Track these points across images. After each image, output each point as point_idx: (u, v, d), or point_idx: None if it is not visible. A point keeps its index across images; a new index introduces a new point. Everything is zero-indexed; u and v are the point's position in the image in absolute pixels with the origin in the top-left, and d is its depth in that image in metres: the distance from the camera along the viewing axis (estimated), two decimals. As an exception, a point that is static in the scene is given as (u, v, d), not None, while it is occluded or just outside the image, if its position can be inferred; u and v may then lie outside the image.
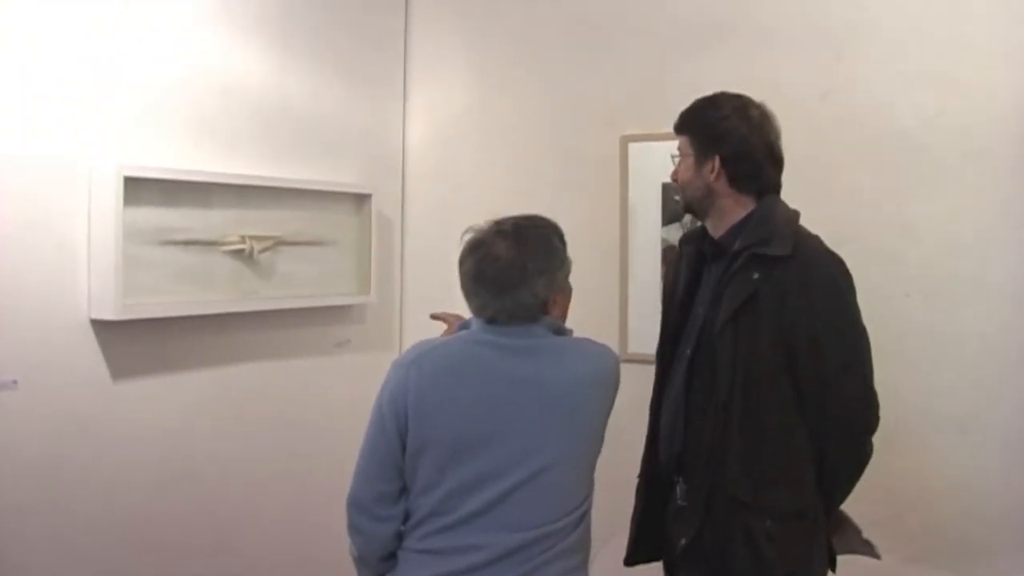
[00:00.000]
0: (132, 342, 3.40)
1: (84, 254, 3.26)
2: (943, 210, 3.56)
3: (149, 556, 3.46)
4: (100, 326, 3.29)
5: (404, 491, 2.49)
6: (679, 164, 2.84)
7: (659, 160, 3.91)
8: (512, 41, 4.43)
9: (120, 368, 3.38)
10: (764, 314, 2.62)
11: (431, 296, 4.46)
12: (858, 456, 2.74)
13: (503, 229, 2.52)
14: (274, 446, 3.84)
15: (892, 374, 3.51)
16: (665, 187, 3.93)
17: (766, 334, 2.62)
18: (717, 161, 2.77)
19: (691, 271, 2.90)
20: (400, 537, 2.50)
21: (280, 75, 4.00)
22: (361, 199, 4.30)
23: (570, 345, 2.59)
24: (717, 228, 2.82)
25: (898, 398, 3.53)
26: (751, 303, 2.63)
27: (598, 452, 2.58)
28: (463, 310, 4.50)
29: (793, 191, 3.76)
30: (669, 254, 3.79)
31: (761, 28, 3.85)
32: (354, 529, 2.52)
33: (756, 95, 3.78)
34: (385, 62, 4.57)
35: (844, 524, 2.88)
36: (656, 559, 2.97)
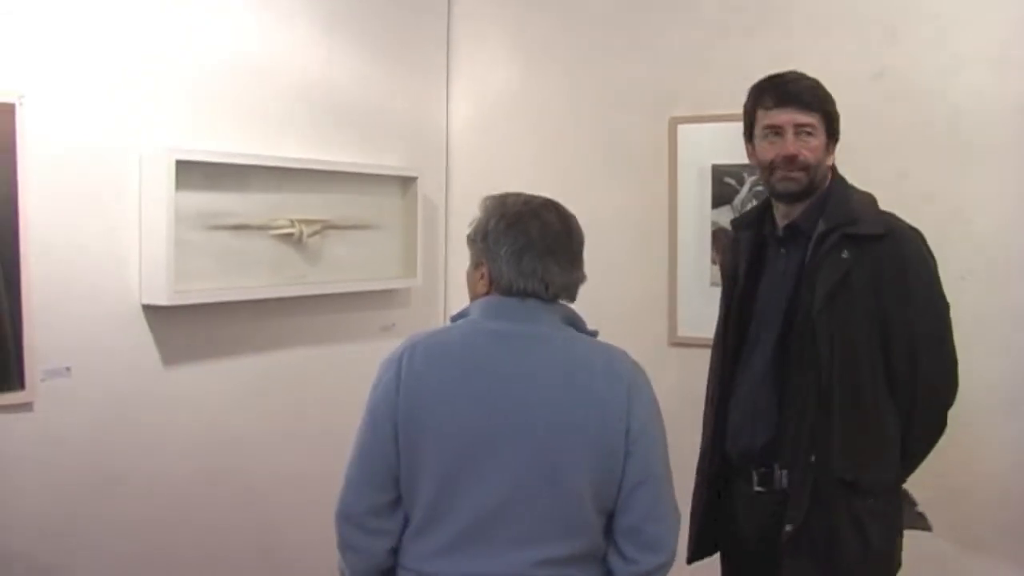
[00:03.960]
0: (182, 328, 3.41)
1: (135, 239, 3.27)
2: (994, 192, 3.51)
3: (198, 539, 3.48)
4: (152, 312, 3.30)
5: (399, 501, 2.26)
6: (811, 142, 2.76)
7: (709, 141, 3.91)
8: (556, 21, 4.40)
9: (171, 354, 3.39)
10: (859, 293, 2.66)
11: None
12: (939, 427, 2.80)
13: (543, 203, 2.37)
14: (322, 430, 3.84)
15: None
16: (715, 169, 3.90)
17: (861, 312, 2.67)
18: (834, 147, 2.82)
19: (752, 255, 2.89)
20: (395, 553, 2.28)
21: (325, 58, 4.00)
22: (406, 182, 4.29)
23: (599, 346, 2.31)
24: (799, 209, 2.80)
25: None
26: (844, 283, 2.66)
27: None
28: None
29: (844, 173, 3.74)
30: (720, 237, 3.75)
31: (812, 8, 3.81)
32: (344, 544, 2.31)
33: (809, 73, 3.77)
34: (428, 44, 4.56)
35: (902, 497, 2.89)
36: (712, 553, 2.98)
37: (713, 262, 3.89)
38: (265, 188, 3.67)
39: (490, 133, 4.57)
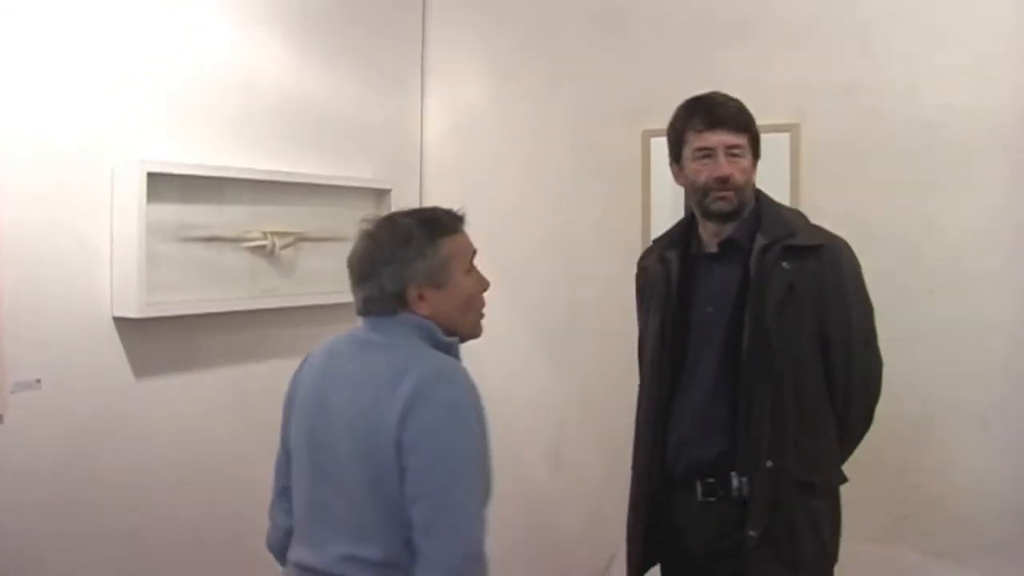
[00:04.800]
0: (154, 340, 3.39)
1: (107, 252, 3.26)
2: (968, 205, 3.54)
3: (171, 552, 3.45)
4: (123, 324, 3.29)
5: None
6: (741, 163, 2.84)
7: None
8: (530, 35, 4.41)
9: (143, 366, 3.38)
10: (802, 302, 2.75)
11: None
12: (867, 425, 2.92)
13: (375, 221, 2.45)
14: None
15: (916, 368, 3.53)
16: (689, 182, 3.91)
17: (806, 320, 2.76)
18: (756, 165, 2.92)
19: (682, 273, 2.95)
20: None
21: (299, 71, 4.00)
22: (380, 194, 4.29)
23: (407, 357, 2.28)
24: (726, 228, 2.89)
25: (921, 393, 3.54)
26: (790, 293, 2.74)
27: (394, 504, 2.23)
28: (486, 305, 4.51)
29: (817, 186, 3.77)
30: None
31: (784, 21, 3.82)
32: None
33: (781, 89, 3.80)
34: (403, 57, 4.56)
35: None
36: (652, 566, 3.03)
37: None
38: (238, 200, 3.66)
39: (465, 145, 4.57)
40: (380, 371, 2.26)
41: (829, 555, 2.81)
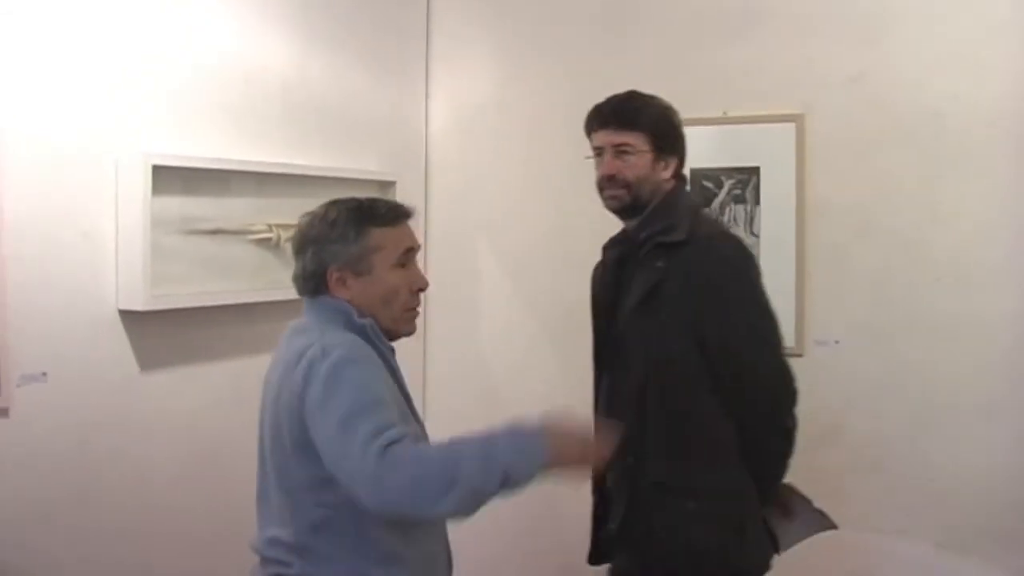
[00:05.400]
0: (160, 333, 3.39)
1: (111, 244, 3.24)
2: (973, 195, 3.53)
3: (175, 545, 3.45)
4: (128, 317, 3.28)
5: None
6: (629, 160, 2.85)
7: (688, 145, 3.90)
8: (534, 28, 4.40)
9: (148, 359, 3.37)
10: (671, 299, 2.73)
11: (454, 283, 4.47)
12: (779, 429, 2.81)
13: (330, 203, 2.45)
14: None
15: (921, 360, 3.52)
16: (693, 172, 3.88)
17: (674, 318, 2.73)
18: (675, 161, 2.90)
19: (617, 270, 2.97)
20: None
21: (303, 63, 3.99)
22: (385, 186, 4.28)
23: (311, 340, 2.29)
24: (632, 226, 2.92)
25: (927, 385, 3.53)
26: (656, 290, 2.74)
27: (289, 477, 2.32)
28: (487, 297, 4.51)
29: (822, 176, 3.76)
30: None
31: (791, 12, 3.81)
32: None
33: (788, 79, 3.79)
34: (407, 49, 4.55)
35: (792, 503, 2.95)
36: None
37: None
38: (243, 193, 3.66)
39: (469, 136, 4.57)
40: (291, 356, 2.28)
41: (708, 555, 2.73)
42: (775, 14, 3.83)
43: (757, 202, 3.80)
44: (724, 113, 3.81)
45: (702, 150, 3.82)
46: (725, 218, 3.85)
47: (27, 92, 3.03)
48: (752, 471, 2.80)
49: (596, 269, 3.11)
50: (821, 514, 2.94)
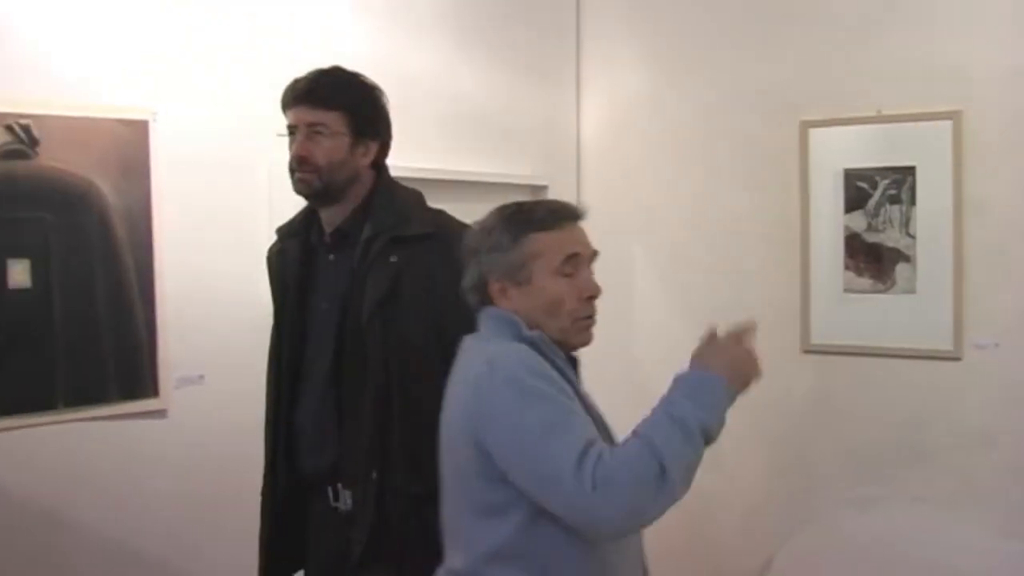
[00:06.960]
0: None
1: (265, 251, 3.32)
2: None
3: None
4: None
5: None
6: (323, 142, 2.56)
7: (840, 145, 3.87)
8: (684, 29, 4.40)
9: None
10: (412, 298, 2.52)
11: (610, 286, 4.44)
12: None
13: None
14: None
15: None
16: (847, 173, 3.85)
17: (417, 318, 2.53)
18: (376, 147, 2.66)
19: (302, 264, 2.71)
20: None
21: (456, 70, 4.07)
22: (537, 191, 4.33)
23: (478, 354, 2.13)
24: (340, 214, 2.64)
25: None
26: (395, 288, 2.52)
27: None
28: (641, 301, 4.50)
29: (981, 176, 3.67)
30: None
31: (945, 7, 3.73)
32: None
33: (944, 75, 3.70)
34: (558, 53, 4.59)
35: None
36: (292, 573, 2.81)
37: (846, 268, 3.87)
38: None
39: (621, 140, 4.58)
40: (461, 372, 2.16)
41: None
42: (931, 6, 3.75)
43: (913, 202, 3.72)
44: (878, 112, 3.75)
45: (855, 150, 3.79)
46: (880, 219, 3.79)
47: (182, 103, 3.17)
48: None
49: (272, 258, 2.82)
50: None
